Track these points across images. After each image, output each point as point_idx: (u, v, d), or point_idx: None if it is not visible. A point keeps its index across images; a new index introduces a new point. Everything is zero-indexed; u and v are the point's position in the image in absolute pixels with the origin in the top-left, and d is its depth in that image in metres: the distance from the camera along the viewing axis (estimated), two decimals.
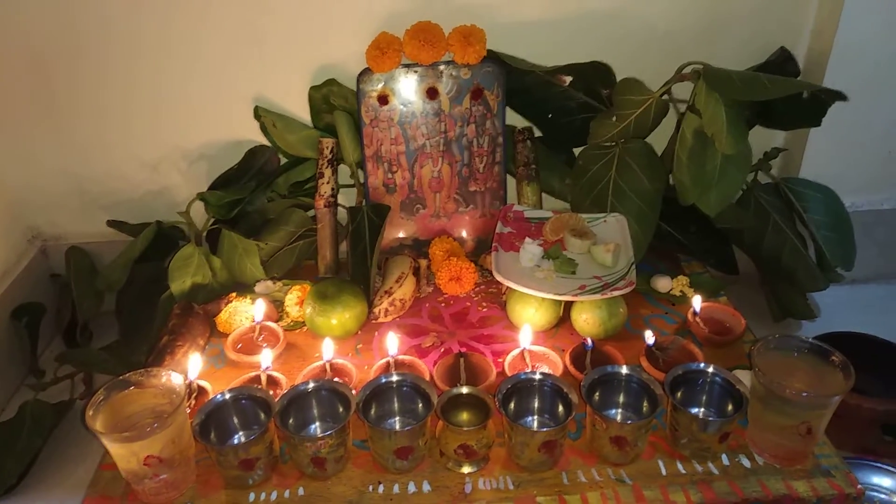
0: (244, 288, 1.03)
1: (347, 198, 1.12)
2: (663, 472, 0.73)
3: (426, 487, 0.72)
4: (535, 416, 0.78)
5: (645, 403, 0.75)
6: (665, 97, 1.00)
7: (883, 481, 0.85)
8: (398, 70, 1.02)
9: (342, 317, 0.91)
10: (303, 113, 1.09)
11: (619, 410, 0.78)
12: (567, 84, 1.05)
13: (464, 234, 1.11)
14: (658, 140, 1.03)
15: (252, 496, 0.72)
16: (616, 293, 0.89)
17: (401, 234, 1.10)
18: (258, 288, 1.02)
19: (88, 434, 0.95)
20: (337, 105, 1.07)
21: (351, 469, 0.74)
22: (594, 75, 1.02)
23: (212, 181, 1.10)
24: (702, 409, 0.77)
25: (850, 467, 0.73)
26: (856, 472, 0.74)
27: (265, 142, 1.10)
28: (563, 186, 1.10)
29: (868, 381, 0.89)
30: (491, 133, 1.06)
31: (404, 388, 0.77)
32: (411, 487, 0.72)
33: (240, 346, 0.91)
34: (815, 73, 1.09)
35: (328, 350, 0.85)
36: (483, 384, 0.81)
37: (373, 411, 0.76)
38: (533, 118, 1.09)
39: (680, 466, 0.74)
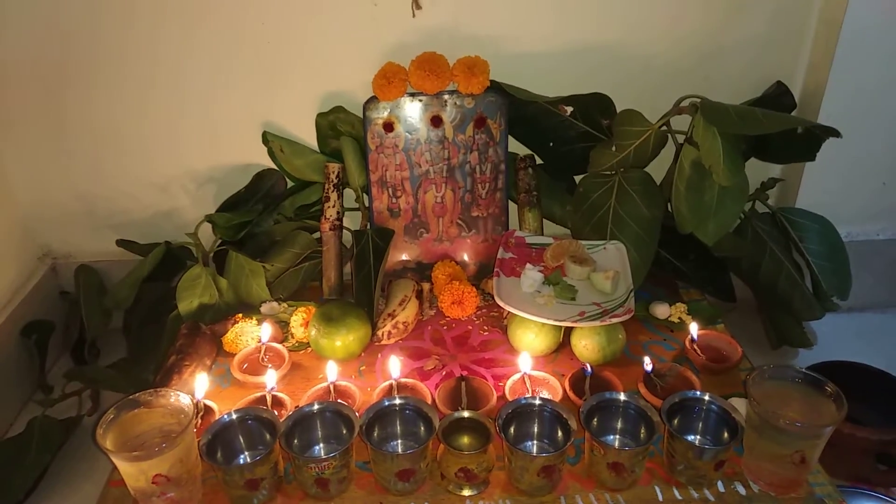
0: (250, 309, 1.05)
1: (352, 221, 1.15)
2: (660, 497, 0.75)
3: None
4: (535, 441, 0.79)
5: (642, 430, 0.77)
6: (664, 129, 1.02)
7: None
8: (404, 98, 1.04)
9: (346, 339, 0.93)
10: (310, 138, 1.12)
11: (617, 436, 0.80)
12: (568, 114, 1.07)
13: (466, 258, 1.13)
14: (657, 169, 1.05)
15: None
16: (615, 320, 0.91)
17: (404, 258, 1.12)
18: (264, 309, 1.04)
19: (96, 451, 0.97)
20: (343, 131, 1.10)
21: (354, 490, 0.76)
22: (595, 106, 1.05)
23: (220, 203, 1.13)
24: (698, 437, 0.79)
25: (843, 496, 0.75)
26: (850, 501, 0.76)
27: (273, 166, 1.13)
28: (564, 213, 1.12)
29: (862, 411, 0.91)
30: (493, 160, 1.09)
31: (407, 412, 0.79)
32: None
33: (245, 366, 0.93)
34: (811, 105, 1.11)
35: (332, 372, 0.87)
36: (484, 408, 0.82)
37: (376, 434, 0.77)
38: (534, 146, 1.11)
39: (676, 493, 0.75)
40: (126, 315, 1.12)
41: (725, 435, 0.76)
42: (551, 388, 0.87)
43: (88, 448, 0.99)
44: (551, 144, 1.11)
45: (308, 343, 0.97)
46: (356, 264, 1.04)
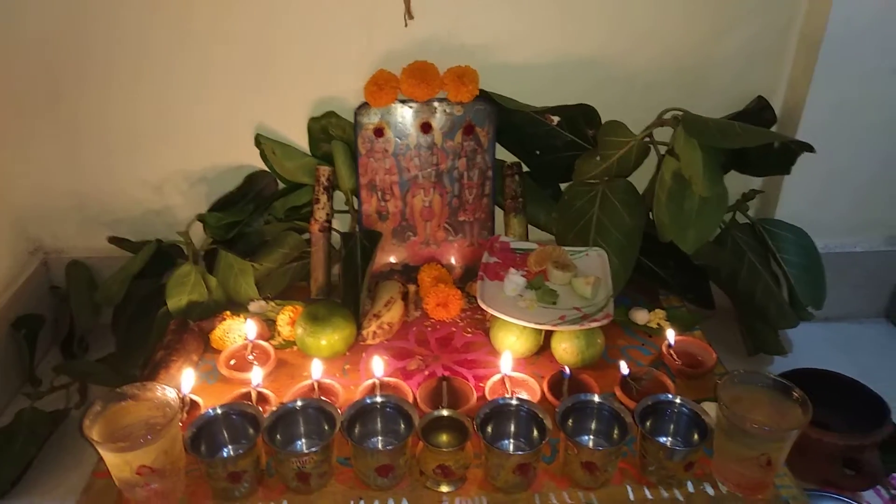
0: (238, 307, 1.07)
1: (341, 223, 1.17)
2: (631, 497, 0.77)
3: None
4: (512, 440, 0.82)
5: (616, 431, 0.79)
6: (646, 140, 1.05)
7: None
8: (394, 105, 1.07)
9: (332, 338, 0.95)
10: (302, 142, 1.15)
11: (591, 437, 0.82)
12: (555, 124, 1.10)
13: (452, 261, 1.15)
14: (640, 179, 1.08)
15: None
16: (594, 324, 0.93)
17: (391, 260, 1.15)
18: (252, 307, 1.06)
19: (82, 443, 0.99)
20: (335, 135, 1.12)
21: (334, 484, 0.78)
22: (581, 116, 1.08)
23: (211, 203, 1.15)
24: (669, 439, 0.81)
25: (809, 498, 0.77)
26: (816, 503, 0.78)
27: (264, 167, 1.15)
28: (549, 220, 1.15)
29: (832, 418, 0.94)
30: (481, 167, 1.11)
31: (388, 409, 0.81)
32: None
33: (232, 362, 0.95)
34: (791, 120, 1.14)
35: (317, 370, 0.89)
36: (463, 408, 0.84)
37: (357, 430, 0.79)
38: (521, 154, 1.14)
39: (647, 492, 0.77)
40: (115, 311, 1.13)
41: (696, 437, 0.79)
42: (530, 390, 0.89)
43: (75, 440, 1.01)
44: (538, 153, 1.13)
45: (294, 341, 0.99)
46: (344, 265, 1.06)
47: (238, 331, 0.99)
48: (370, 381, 0.89)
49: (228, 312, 1.04)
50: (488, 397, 0.87)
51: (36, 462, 0.96)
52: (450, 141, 1.09)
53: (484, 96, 1.07)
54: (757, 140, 0.94)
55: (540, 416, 0.78)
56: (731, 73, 1.13)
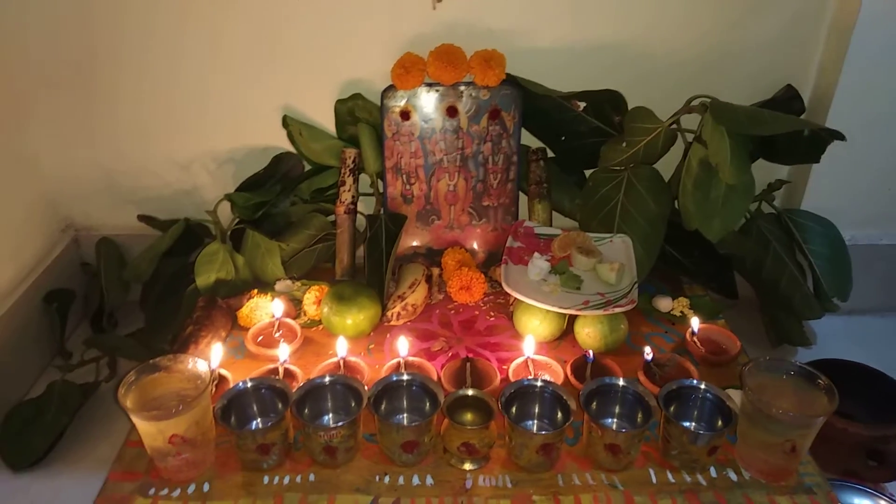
0: (265, 285, 1.08)
1: (367, 206, 1.18)
2: (653, 480, 0.78)
3: (429, 481, 0.77)
4: (535, 421, 0.82)
5: (639, 414, 0.80)
6: (673, 127, 1.05)
7: (864, 503, 0.88)
8: (421, 88, 1.07)
9: (357, 317, 0.96)
10: (328, 124, 1.15)
11: (615, 420, 0.82)
12: (581, 109, 1.10)
13: (475, 246, 1.16)
14: (666, 167, 1.07)
15: (266, 479, 0.77)
16: (618, 310, 0.94)
17: (415, 243, 1.16)
18: (278, 286, 1.07)
19: (112, 415, 1.02)
20: (361, 118, 1.13)
21: (360, 460, 0.79)
22: (607, 102, 1.08)
23: (239, 183, 1.16)
24: (693, 424, 0.82)
25: (832, 487, 0.77)
26: (838, 493, 0.78)
27: (291, 149, 1.16)
28: (573, 206, 1.15)
29: (857, 408, 0.93)
30: (506, 152, 1.12)
31: (413, 388, 0.82)
32: (415, 480, 0.77)
33: (259, 339, 0.96)
34: (819, 110, 1.13)
35: (342, 348, 0.90)
36: (487, 388, 0.85)
37: (383, 407, 0.80)
38: (547, 140, 1.14)
39: (669, 476, 0.78)
40: (144, 288, 1.15)
41: (719, 423, 0.79)
42: (553, 373, 0.90)
43: (105, 413, 1.03)
44: (563, 138, 1.13)
45: (320, 320, 1.00)
46: (369, 247, 1.07)
47: (265, 309, 1.01)
48: (395, 361, 0.90)
49: (256, 291, 1.05)
50: (511, 379, 0.88)
51: (67, 433, 0.98)
52: (475, 125, 1.10)
53: (510, 81, 1.07)
54: (786, 127, 0.93)
55: (564, 397, 0.78)
56: (760, 61, 1.13)
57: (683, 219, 1.02)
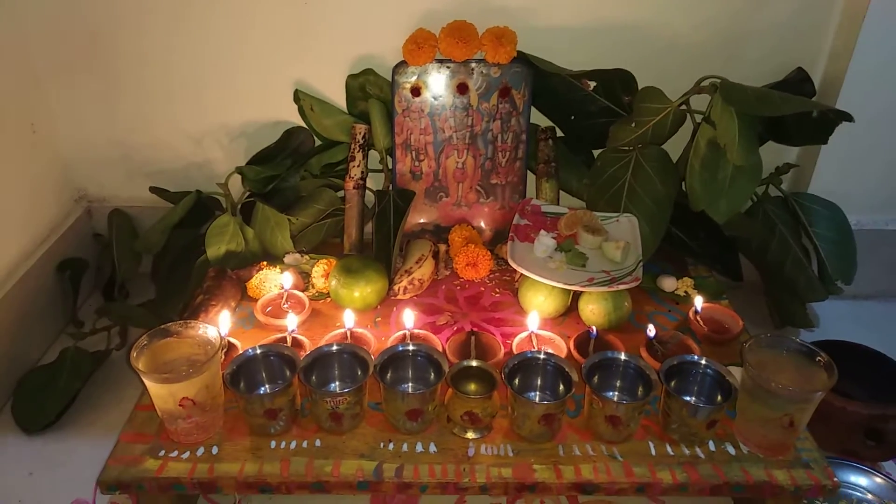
0: (274, 258, 1.10)
1: (375, 182, 1.19)
2: (653, 452, 0.79)
3: (432, 448, 0.78)
4: (538, 392, 0.84)
5: (640, 388, 0.81)
6: (683, 107, 1.05)
7: (860, 480, 0.90)
8: (432, 65, 1.08)
9: (364, 290, 0.98)
10: (339, 99, 1.16)
11: (616, 393, 0.84)
12: (591, 89, 1.10)
13: (482, 224, 1.17)
14: (674, 147, 1.08)
15: (273, 444, 0.79)
16: (622, 287, 0.94)
17: (423, 220, 1.17)
18: (287, 259, 1.09)
19: (123, 382, 1.04)
20: (372, 94, 1.13)
21: (365, 427, 0.81)
22: (617, 82, 1.08)
23: (250, 157, 1.17)
24: (693, 398, 0.83)
25: (828, 462, 0.78)
26: (836, 471, 0.79)
27: (302, 124, 1.17)
28: (581, 186, 1.16)
29: (858, 389, 0.95)
30: (515, 130, 1.12)
31: (419, 358, 0.84)
32: (419, 447, 0.79)
33: (268, 310, 0.98)
34: (830, 93, 1.13)
35: (349, 319, 0.92)
36: (491, 361, 0.86)
37: (388, 376, 0.82)
38: (556, 119, 1.15)
39: (669, 449, 0.79)
40: (155, 260, 1.17)
41: (719, 397, 0.80)
42: (557, 348, 0.91)
43: (116, 380, 1.05)
44: (573, 118, 1.14)
45: (328, 293, 1.02)
46: (377, 222, 1.08)
47: (274, 280, 1.02)
48: (401, 333, 0.91)
49: (265, 263, 1.06)
50: (515, 353, 0.89)
51: (79, 398, 1.01)
52: (485, 103, 1.10)
53: (521, 58, 1.07)
54: (795, 108, 0.93)
55: (567, 370, 0.80)
56: (772, 43, 1.13)
57: (690, 199, 1.03)
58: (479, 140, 1.13)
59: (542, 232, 1.04)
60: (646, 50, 1.13)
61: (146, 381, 0.75)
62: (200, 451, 0.78)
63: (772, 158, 1.13)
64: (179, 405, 0.75)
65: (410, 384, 0.84)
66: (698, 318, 0.97)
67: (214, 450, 0.78)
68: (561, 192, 1.16)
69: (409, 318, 0.92)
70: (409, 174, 1.15)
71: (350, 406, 0.78)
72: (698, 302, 0.98)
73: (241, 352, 0.84)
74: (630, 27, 1.11)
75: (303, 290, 1.03)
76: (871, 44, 1.07)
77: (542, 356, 0.82)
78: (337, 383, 0.84)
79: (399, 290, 1.03)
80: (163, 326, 0.80)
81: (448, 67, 1.08)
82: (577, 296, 0.99)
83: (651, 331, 0.91)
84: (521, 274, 0.98)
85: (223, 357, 0.87)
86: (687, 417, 0.78)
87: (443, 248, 1.12)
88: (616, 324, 0.96)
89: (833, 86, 1.13)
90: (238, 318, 0.99)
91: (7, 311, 1.04)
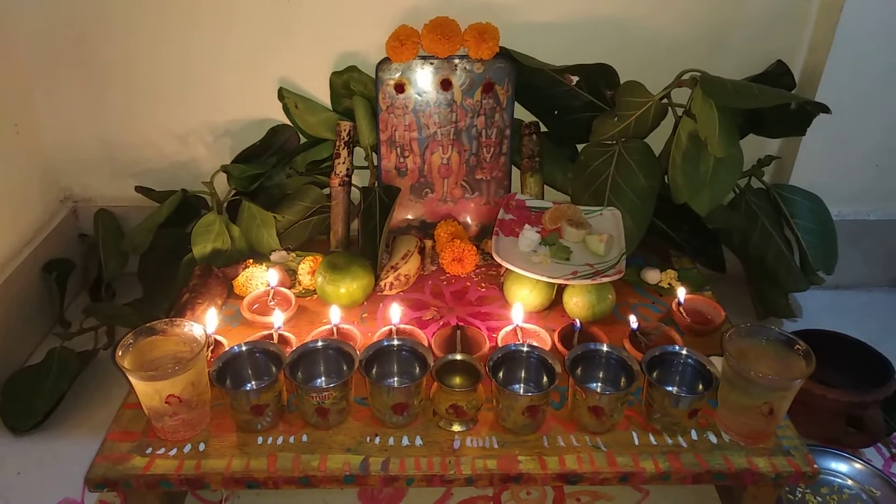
0: (260, 256, 1.10)
1: (361, 178, 1.19)
2: (636, 442, 0.80)
3: (418, 442, 0.79)
4: (522, 385, 0.85)
5: (623, 379, 0.82)
6: (664, 101, 1.06)
7: (840, 467, 0.91)
8: (415, 61, 1.08)
9: (350, 286, 0.98)
10: (324, 96, 1.17)
11: (599, 384, 0.85)
12: (574, 83, 1.11)
13: (468, 219, 1.18)
14: (656, 141, 1.09)
15: (260, 440, 0.79)
16: (605, 279, 0.95)
17: (409, 216, 1.17)
18: (273, 257, 1.09)
19: (110, 382, 1.04)
20: (356, 91, 1.14)
21: (351, 421, 0.82)
22: (599, 76, 1.09)
23: (235, 155, 1.18)
24: (675, 388, 0.84)
25: (809, 449, 0.79)
26: (816, 458, 0.80)
27: (287, 122, 1.18)
28: (565, 180, 1.17)
29: (839, 378, 0.96)
30: (499, 125, 1.13)
31: (404, 352, 0.84)
32: (405, 441, 0.79)
33: (255, 307, 0.98)
34: (809, 86, 1.15)
35: (335, 315, 0.92)
36: (477, 354, 0.87)
37: (374, 371, 0.82)
38: (540, 114, 1.15)
39: (652, 438, 0.80)
40: (141, 259, 1.17)
41: (700, 387, 0.81)
42: (541, 341, 0.92)
43: (103, 380, 1.06)
44: (556, 112, 1.15)
45: (314, 290, 1.02)
46: (363, 219, 1.09)
47: (260, 278, 1.03)
48: (387, 328, 0.92)
49: (251, 260, 1.07)
50: (500, 346, 0.90)
51: (67, 398, 1.01)
52: (469, 99, 1.11)
53: (504, 54, 1.08)
54: (774, 101, 0.95)
55: (550, 362, 0.81)
56: (752, 36, 1.14)
57: (672, 192, 1.04)
58: (464, 136, 1.13)
59: (527, 226, 1.05)
60: (627, 44, 1.13)
61: (132, 380, 0.76)
62: (187, 447, 0.78)
63: (754, 151, 1.14)
64: (166, 402, 0.76)
65: (396, 379, 0.85)
66: (681, 309, 0.98)
67: (201, 446, 0.79)
68: (545, 186, 1.17)
69: (395, 313, 0.92)
70: (395, 170, 1.15)
71: (336, 401, 0.78)
72: (681, 293, 0.99)
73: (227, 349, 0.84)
74: (611, 22, 1.12)
75: (289, 288, 1.03)
76: (850, 35, 1.08)
77: (525, 349, 0.83)
78: (323, 379, 0.84)
79: (385, 285, 1.04)
80: (148, 325, 0.80)
81: (431, 64, 1.09)
82: (561, 289, 1.00)
83: (634, 322, 0.92)
84: (507, 268, 0.99)
85: (209, 354, 0.87)
86: (669, 407, 0.79)
87: (429, 243, 1.13)
88: (600, 316, 0.97)
89: (812, 77, 1.14)
90: (225, 315, 0.99)
91: None
